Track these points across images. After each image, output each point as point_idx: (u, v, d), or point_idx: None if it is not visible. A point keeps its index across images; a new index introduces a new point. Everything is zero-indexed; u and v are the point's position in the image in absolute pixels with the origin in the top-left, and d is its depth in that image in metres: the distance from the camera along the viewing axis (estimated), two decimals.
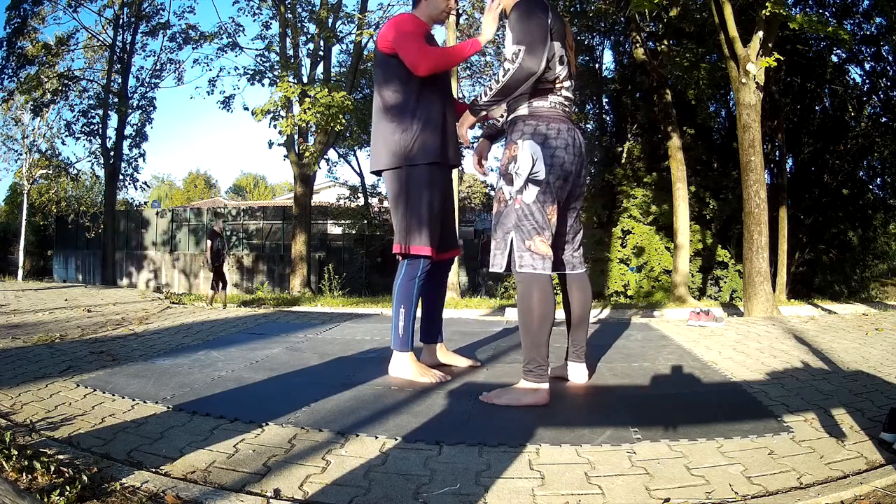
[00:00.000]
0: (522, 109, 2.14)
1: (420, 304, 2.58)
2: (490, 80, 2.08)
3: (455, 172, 12.90)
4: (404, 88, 2.36)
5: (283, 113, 11.62)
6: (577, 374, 2.42)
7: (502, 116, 2.38)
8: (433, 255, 2.41)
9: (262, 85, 13.00)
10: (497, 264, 2.11)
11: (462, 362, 2.68)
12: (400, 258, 2.45)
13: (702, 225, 12.96)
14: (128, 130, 15.54)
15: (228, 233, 20.95)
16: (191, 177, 51.11)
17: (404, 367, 2.44)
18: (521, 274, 2.08)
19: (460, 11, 14.20)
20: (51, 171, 18.22)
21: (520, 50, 1.97)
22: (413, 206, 2.37)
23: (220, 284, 8.40)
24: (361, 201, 21.64)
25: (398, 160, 2.36)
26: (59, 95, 15.43)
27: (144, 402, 2.12)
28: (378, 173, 2.47)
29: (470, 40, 2.34)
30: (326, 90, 10.79)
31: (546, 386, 2.10)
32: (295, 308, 6.58)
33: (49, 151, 18.65)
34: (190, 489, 1.42)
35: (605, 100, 15.89)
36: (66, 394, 2.23)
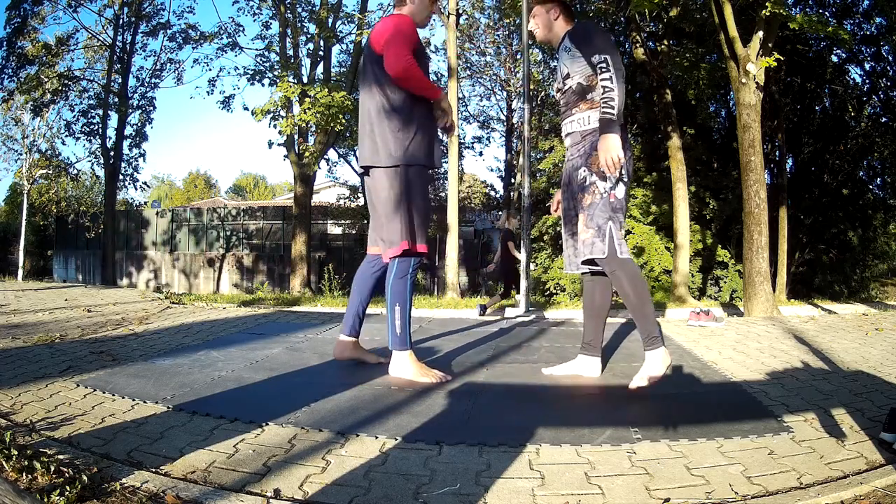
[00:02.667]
0: (596, 121, 2.32)
1: (357, 296, 2.69)
2: (602, 97, 2.22)
3: (455, 172, 12.87)
4: (400, 89, 2.39)
5: (283, 113, 11.60)
6: (593, 367, 2.50)
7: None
8: (426, 253, 2.51)
9: (262, 85, 13.00)
10: (599, 250, 2.25)
11: (373, 358, 2.76)
12: (389, 259, 2.49)
13: (702, 225, 12.94)
14: (128, 130, 15.53)
15: (228, 233, 20.97)
16: (191, 177, 51.09)
17: (405, 367, 2.45)
18: (621, 260, 2.25)
19: (460, 11, 14.20)
20: (51, 171, 18.21)
21: (606, 59, 2.21)
22: (416, 205, 2.44)
23: (512, 288, 7.19)
24: (361, 201, 21.63)
25: (399, 159, 2.39)
26: (59, 95, 15.41)
27: (144, 402, 2.12)
28: (366, 170, 2.50)
29: (439, 88, 2.45)
30: (326, 90, 10.78)
31: (664, 349, 2.29)
32: (295, 308, 6.57)
33: (49, 151, 18.64)
34: (190, 489, 1.42)
35: None
36: (66, 394, 2.23)
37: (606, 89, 2.20)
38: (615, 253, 2.24)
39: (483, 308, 6.61)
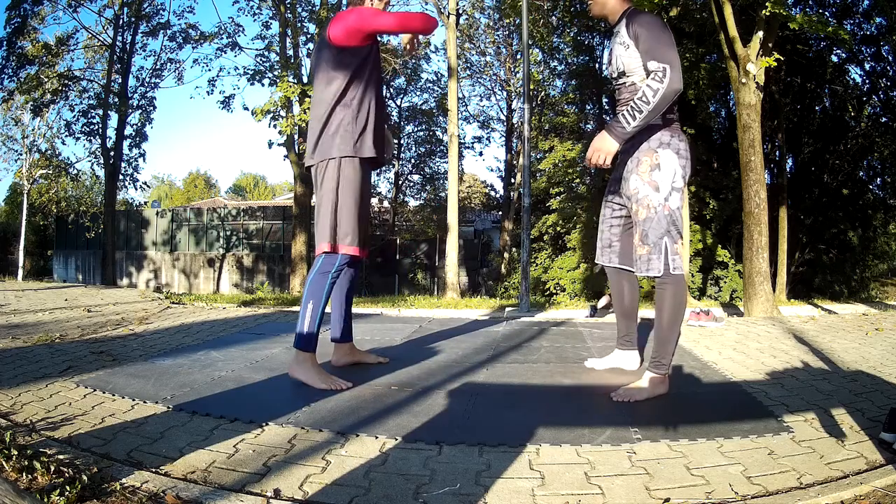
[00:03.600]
0: (657, 119, 2.19)
1: (335, 300, 2.63)
2: (634, 101, 2.06)
3: (455, 172, 12.79)
4: (353, 84, 2.36)
5: (283, 113, 11.60)
6: (631, 360, 2.57)
7: None
8: (360, 255, 2.41)
9: (262, 85, 12.97)
10: (654, 268, 2.21)
11: (372, 359, 2.73)
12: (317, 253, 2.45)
13: (702, 225, 12.94)
14: (128, 130, 15.52)
15: (228, 233, 20.95)
16: (191, 177, 51.11)
17: (304, 370, 2.36)
18: (674, 276, 2.20)
19: (460, 11, 14.19)
20: (51, 171, 18.19)
21: (666, 69, 2.04)
22: (348, 202, 2.36)
23: None
24: None
25: (344, 151, 2.34)
26: (59, 95, 15.39)
27: (144, 402, 2.12)
28: (309, 168, 2.46)
29: (432, 18, 2.36)
30: None
31: (666, 378, 2.25)
32: (295, 308, 6.57)
33: (49, 151, 18.62)
34: (190, 489, 1.42)
35: (604, 100, 15.88)
36: (66, 394, 2.23)
37: (644, 99, 2.04)
38: (669, 269, 2.19)
39: (594, 309, 6.73)
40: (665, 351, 2.21)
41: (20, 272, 20.74)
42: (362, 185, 2.40)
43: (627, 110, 2.08)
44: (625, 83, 2.25)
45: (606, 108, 16.22)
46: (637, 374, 2.48)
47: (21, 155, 21.02)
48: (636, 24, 2.15)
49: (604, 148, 2.14)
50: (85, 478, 1.40)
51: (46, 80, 14.67)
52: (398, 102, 21.98)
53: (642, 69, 2.14)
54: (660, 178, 2.19)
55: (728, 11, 6.98)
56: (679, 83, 2.05)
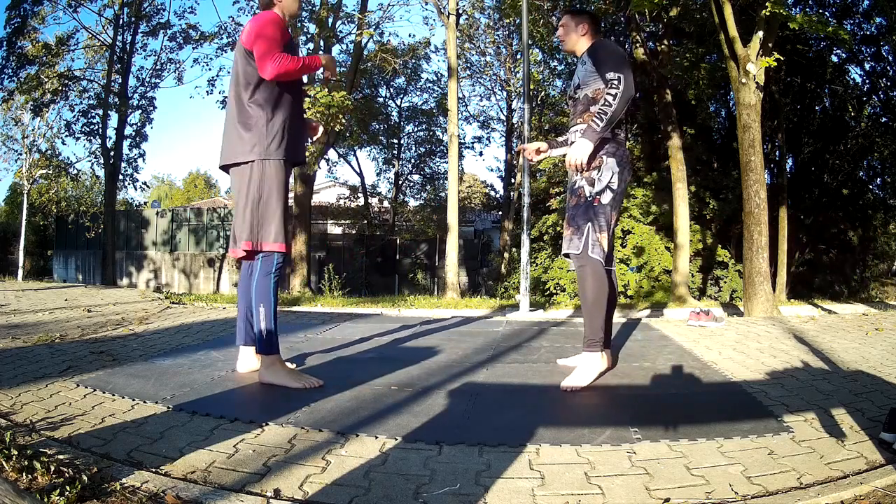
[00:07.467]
0: (607, 132, 2.46)
1: (242, 302, 2.53)
2: (600, 108, 2.35)
3: (455, 172, 12.81)
4: (269, 85, 2.38)
5: None
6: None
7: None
8: (288, 251, 2.45)
9: None
10: (574, 247, 2.46)
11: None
12: (240, 257, 2.46)
13: (702, 225, 12.93)
14: (128, 130, 15.51)
15: (228, 233, 20.96)
16: (191, 177, 51.02)
17: (274, 372, 2.36)
18: (590, 258, 2.42)
19: (460, 11, 14.20)
20: (51, 171, 18.17)
21: (621, 77, 2.34)
22: (269, 202, 2.38)
23: None
24: (361, 201, 21.65)
25: (258, 154, 2.35)
26: (59, 95, 15.37)
27: (144, 402, 2.12)
28: (226, 168, 2.45)
29: (313, 56, 2.45)
30: (326, 90, 10.78)
31: (602, 354, 2.45)
32: (295, 308, 6.57)
33: (49, 151, 18.60)
34: (190, 489, 1.42)
35: None
36: (66, 394, 2.23)
37: (606, 103, 2.33)
38: (587, 251, 2.41)
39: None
40: (594, 328, 2.41)
41: (20, 272, 20.73)
42: (284, 185, 2.43)
43: (596, 116, 2.36)
44: (579, 96, 2.55)
45: None
46: (597, 380, 2.45)
47: (21, 155, 21.01)
48: (596, 46, 2.53)
49: (581, 152, 2.40)
50: (85, 478, 1.40)
51: (46, 80, 14.65)
52: (398, 102, 21.96)
53: (595, 81, 2.46)
54: (598, 176, 2.45)
55: (728, 11, 6.98)
56: (633, 90, 2.36)
